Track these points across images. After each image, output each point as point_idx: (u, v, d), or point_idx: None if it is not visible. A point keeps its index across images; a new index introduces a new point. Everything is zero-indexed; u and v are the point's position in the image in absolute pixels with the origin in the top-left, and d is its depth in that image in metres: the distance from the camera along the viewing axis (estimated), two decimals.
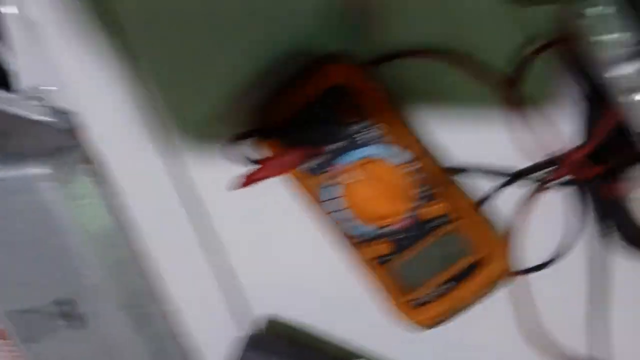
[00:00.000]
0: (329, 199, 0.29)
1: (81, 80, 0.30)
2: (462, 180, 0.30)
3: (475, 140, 0.30)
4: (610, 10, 0.24)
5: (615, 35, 0.25)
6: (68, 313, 0.34)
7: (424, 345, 0.33)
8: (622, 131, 0.28)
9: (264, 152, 0.28)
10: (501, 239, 0.29)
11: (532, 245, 0.32)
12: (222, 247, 0.33)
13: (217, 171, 0.30)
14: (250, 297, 0.34)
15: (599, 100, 0.28)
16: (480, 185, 0.31)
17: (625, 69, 0.25)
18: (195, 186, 0.32)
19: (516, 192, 0.31)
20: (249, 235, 0.33)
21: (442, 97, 0.30)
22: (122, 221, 0.33)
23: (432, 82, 0.30)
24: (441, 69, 0.29)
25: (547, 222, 0.32)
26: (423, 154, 0.28)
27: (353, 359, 0.33)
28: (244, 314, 0.34)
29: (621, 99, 0.25)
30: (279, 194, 0.31)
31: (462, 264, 0.29)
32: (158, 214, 0.33)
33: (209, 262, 0.34)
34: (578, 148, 0.29)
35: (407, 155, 0.28)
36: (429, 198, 0.29)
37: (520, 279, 0.32)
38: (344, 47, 0.28)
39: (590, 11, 0.25)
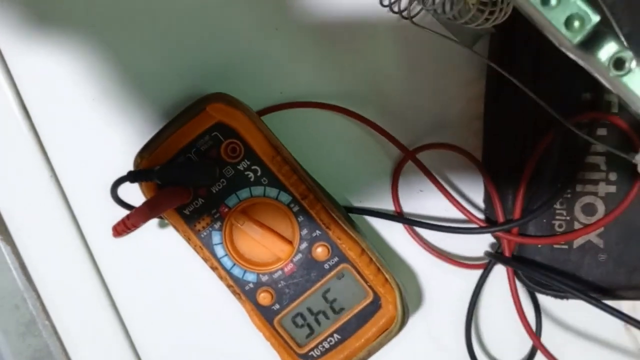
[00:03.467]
0: (211, 245, 0.27)
1: None
2: (355, 222, 0.29)
3: (359, 184, 0.30)
4: None
5: None
6: None
7: None
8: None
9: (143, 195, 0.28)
10: (393, 285, 0.27)
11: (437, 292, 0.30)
12: (117, 306, 0.32)
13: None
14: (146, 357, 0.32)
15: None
16: (377, 228, 0.30)
17: None
18: (91, 243, 0.32)
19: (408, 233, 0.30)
20: (140, 292, 0.32)
21: (329, 144, 0.30)
22: (25, 281, 0.33)
23: (317, 131, 0.30)
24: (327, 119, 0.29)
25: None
26: (307, 194, 0.27)
27: None
28: None
29: None
30: (168, 246, 0.30)
31: (350, 312, 0.27)
32: (58, 273, 0.32)
33: (107, 321, 0.32)
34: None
35: (290, 195, 0.27)
36: (314, 240, 0.27)
37: None
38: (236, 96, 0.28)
39: None
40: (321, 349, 0.27)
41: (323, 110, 0.29)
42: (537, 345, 0.28)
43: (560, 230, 0.28)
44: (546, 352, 0.28)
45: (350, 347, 0.27)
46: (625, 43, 0.18)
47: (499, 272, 0.29)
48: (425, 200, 0.30)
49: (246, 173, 0.27)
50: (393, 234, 0.30)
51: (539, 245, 0.28)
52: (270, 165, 0.27)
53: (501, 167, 0.28)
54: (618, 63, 0.18)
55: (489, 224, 0.28)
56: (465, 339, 0.29)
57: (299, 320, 0.27)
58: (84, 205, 0.31)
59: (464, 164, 0.29)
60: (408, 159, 0.29)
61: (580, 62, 0.19)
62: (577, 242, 0.28)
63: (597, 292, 0.28)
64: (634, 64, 0.18)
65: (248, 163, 0.27)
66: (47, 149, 0.31)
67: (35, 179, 0.31)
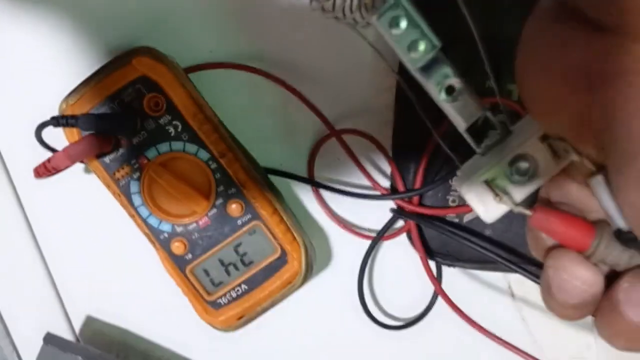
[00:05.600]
0: (129, 194, 0.29)
1: None
2: (274, 185, 0.31)
3: (280, 148, 0.32)
4: None
5: None
6: None
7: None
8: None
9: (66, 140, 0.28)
10: (300, 243, 0.29)
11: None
12: (39, 244, 0.33)
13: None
14: (67, 298, 0.33)
15: None
16: (299, 193, 0.32)
17: None
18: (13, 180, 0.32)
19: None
20: (63, 233, 0.33)
21: (256, 107, 0.31)
22: None
23: (245, 94, 0.31)
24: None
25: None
26: (225, 153, 0.28)
27: None
28: (61, 314, 0.33)
29: None
30: (93, 191, 0.31)
31: (258, 266, 0.29)
32: None
33: (25, 260, 0.33)
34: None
35: (209, 153, 0.28)
36: (229, 197, 0.29)
37: None
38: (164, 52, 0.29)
39: None
40: (229, 297, 0.29)
41: (252, 74, 0.30)
42: (440, 292, 0.32)
43: (454, 204, 0.31)
44: (448, 300, 0.32)
45: (255, 297, 0.29)
46: (456, 72, 0.19)
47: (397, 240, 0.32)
48: (340, 173, 0.32)
49: (167, 128, 0.28)
50: (312, 200, 0.32)
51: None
52: (192, 122, 0.28)
53: (406, 149, 0.30)
54: (449, 90, 0.19)
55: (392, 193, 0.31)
56: (357, 293, 0.32)
57: (210, 270, 0.29)
58: (12, 148, 0.32)
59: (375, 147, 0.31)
60: (332, 137, 0.31)
61: (421, 83, 0.20)
62: (467, 217, 0.31)
63: (482, 263, 0.32)
64: (462, 91, 0.19)
65: (169, 118, 0.28)
66: None
67: None
